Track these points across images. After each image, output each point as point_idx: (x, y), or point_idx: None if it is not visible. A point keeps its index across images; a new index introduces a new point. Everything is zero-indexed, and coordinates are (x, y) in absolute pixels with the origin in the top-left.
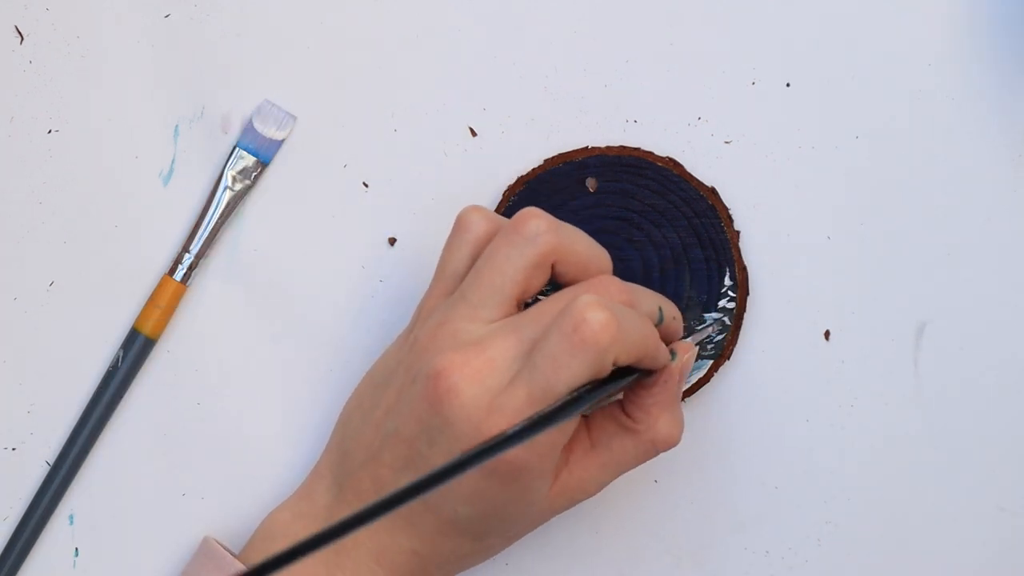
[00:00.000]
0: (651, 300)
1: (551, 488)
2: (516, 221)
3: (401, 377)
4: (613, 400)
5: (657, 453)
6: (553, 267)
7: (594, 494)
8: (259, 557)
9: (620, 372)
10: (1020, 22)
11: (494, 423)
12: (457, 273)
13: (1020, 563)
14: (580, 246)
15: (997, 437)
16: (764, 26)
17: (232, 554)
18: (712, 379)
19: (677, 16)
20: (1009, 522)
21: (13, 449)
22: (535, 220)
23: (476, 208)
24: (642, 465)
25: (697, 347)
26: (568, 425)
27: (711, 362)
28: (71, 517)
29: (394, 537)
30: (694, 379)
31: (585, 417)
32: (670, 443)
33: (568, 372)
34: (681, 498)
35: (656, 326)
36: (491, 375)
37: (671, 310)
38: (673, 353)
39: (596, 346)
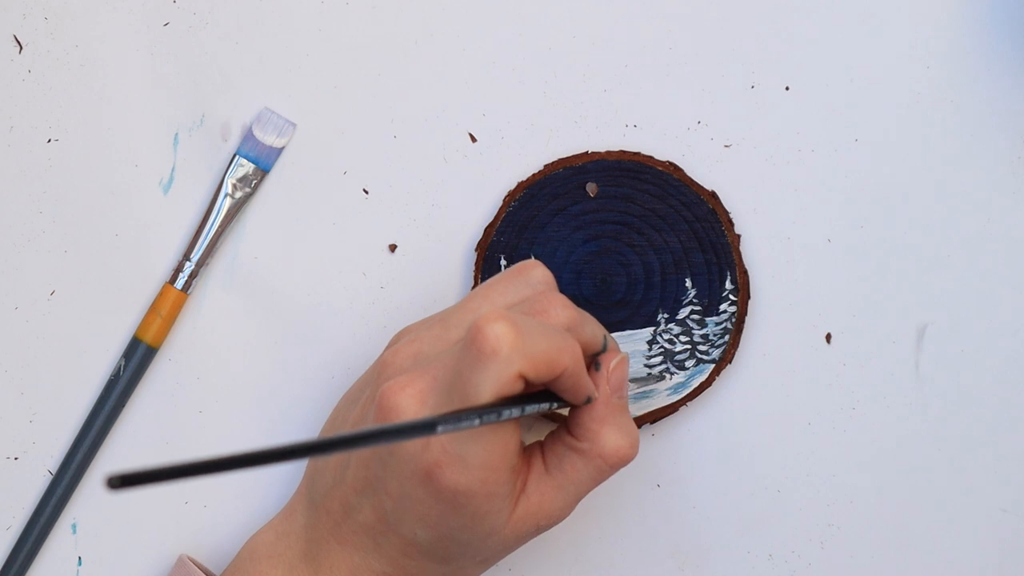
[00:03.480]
0: (595, 327)
1: (511, 515)
2: (521, 266)
3: (367, 395)
4: (540, 413)
5: (611, 469)
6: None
7: (560, 518)
8: None
9: (544, 395)
10: (1019, 23)
11: (431, 450)
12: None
13: (1022, 565)
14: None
15: (999, 439)
16: (763, 29)
17: (210, 573)
18: (714, 383)
19: (676, 20)
20: (1011, 524)
21: (15, 458)
22: (539, 269)
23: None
24: (643, 470)
25: (627, 357)
26: (502, 449)
27: (713, 366)
28: (74, 526)
29: (365, 559)
30: (696, 383)
31: (540, 443)
32: (620, 457)
33: (473, 388)
34: (683, 502)
35: (600, 352)
36: (432, 394)
37: (615, 343)
38: (598, 364)
39: (493, 357)
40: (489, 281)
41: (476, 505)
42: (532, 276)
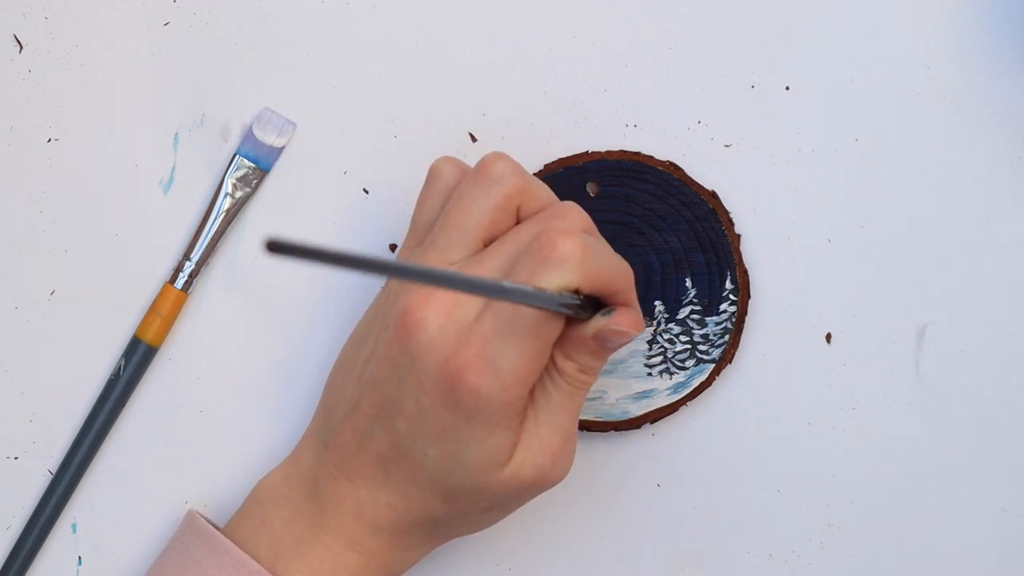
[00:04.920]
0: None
1: (513, 451)
2: (482, 164)
3: (377, 327)
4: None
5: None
6: (518, 211)
7: (557, 460)
8: (249, 523)
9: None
10: (1019, 23)
11: (463, 354)
12: (429, 222)
13: (1022, 565)
14: (542, 192)
15: (999, 439)
16: (763, 29)
17: (217, 528)
18: (714, 382)
19: (676, 20)
20: (1011, 524)
21: (15, 458)
22: (500, 162)
23: (447, 158)
24: (645, 470)
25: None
26: (533, 363)
27: (713, 365)
28: (74, 526)
29: (372, 491)
30: (696, 383)
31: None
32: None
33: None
34: (683, 502)
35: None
36: (458, 307)
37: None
38: (609, 311)
39: (560, 265)
40: (457, 192)
41: (489, 414)
42: (495, 172)
